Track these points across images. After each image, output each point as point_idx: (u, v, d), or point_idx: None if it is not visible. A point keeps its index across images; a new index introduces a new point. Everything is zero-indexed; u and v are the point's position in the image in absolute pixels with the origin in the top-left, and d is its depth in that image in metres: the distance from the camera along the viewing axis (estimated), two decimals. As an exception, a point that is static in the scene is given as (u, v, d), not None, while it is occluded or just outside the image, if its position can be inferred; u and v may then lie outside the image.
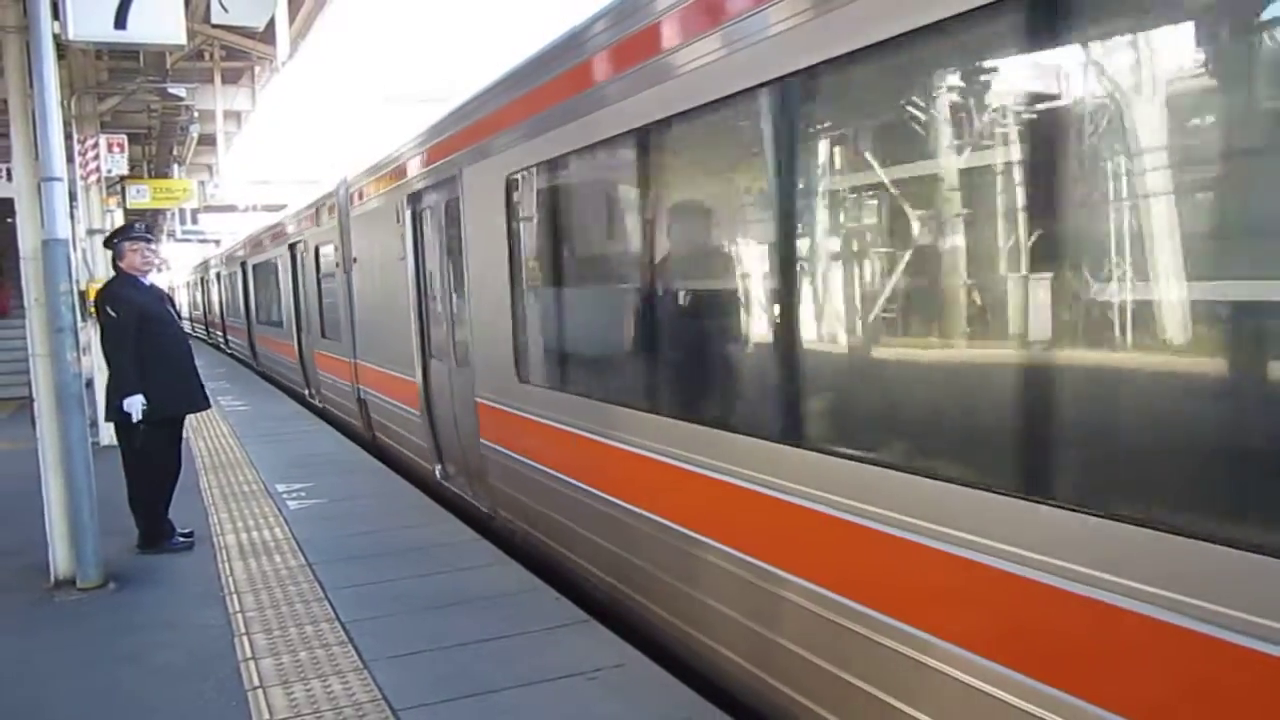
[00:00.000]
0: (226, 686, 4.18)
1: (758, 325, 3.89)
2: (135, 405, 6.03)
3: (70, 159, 9.68)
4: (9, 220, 5.74)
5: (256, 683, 4.19)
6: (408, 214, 8.08)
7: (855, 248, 3.41)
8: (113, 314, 6.07)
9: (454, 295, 7.23)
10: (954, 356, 2.98)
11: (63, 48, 6.40)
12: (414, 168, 7.89)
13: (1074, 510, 2.40)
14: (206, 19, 9.40)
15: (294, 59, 12.29)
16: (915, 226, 3.10)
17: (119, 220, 13.13)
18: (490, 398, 6.47)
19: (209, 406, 6.90)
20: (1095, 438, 2.47)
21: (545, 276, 5.71)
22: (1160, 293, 2.34)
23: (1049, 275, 2.55)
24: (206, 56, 14.06)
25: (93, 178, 10.99)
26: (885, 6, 2.85)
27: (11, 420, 12.91)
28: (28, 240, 5.53)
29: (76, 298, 5.62)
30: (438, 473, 7.97)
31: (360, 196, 9.86)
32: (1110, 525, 2.31)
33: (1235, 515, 2.16)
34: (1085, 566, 2.37)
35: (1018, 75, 2.69)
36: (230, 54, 13.94)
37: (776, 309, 3.60)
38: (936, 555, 2.80)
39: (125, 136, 12.28)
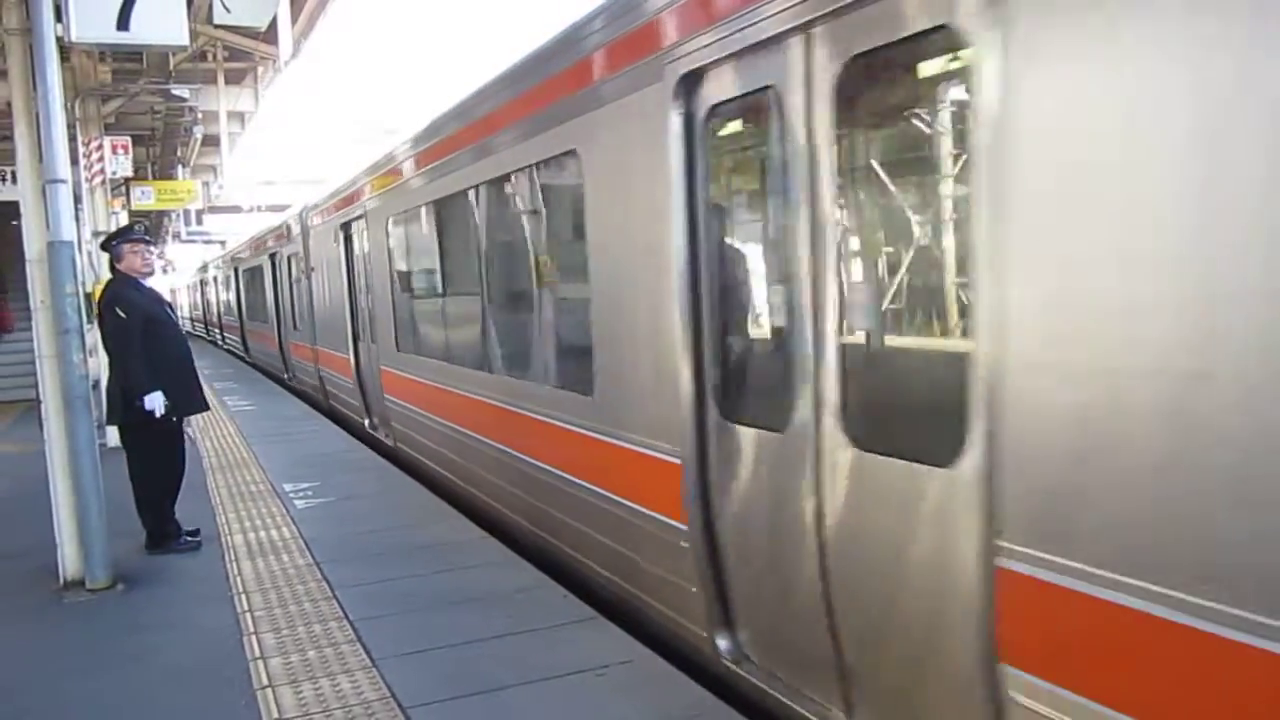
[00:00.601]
0: (236, 686, 4.19)
1: (451, 314, 7.97)
2: (157, 401, 6.05)
3: (75, 161, 9.70)
4: (14, 223, 5.74)
5: (265, 682, 4.20)
6: (342, 236, 11.08)
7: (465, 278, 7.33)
8: (121, 315, 6.06)
9: (368, 294, 10.25)
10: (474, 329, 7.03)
11: (66, 50, 6.40)
12: (345, 204, 10.89)
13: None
14: (209, 20, 9.39)
15: (297, 58, 12.28)
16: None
17: (124, 222, 13.14)
18: (387, 365, 9.62)
19: (208, 408, 6.94)
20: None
21: (397, 282, 9.23)
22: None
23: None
24: (209, 57, 14.06)
25: (97, 180, 11.00)
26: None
27: (19, 422, 12.95)
28: (33, 243, 5.54)
29: (82, 299, 5.63)
30: (367, 424, 10.94)
31: (314, 220, 12.97)
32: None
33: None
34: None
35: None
36: (233, 55, 13.94)
37: (448, 305, 7.97)
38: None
39: (129, 138, 12.29)
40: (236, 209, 28.41)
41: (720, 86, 3.74)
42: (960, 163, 2.84)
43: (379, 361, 9.87)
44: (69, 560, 5.72)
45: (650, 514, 4.44)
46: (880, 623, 3.15)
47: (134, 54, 11.09)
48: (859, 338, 3.32)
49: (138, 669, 4.52)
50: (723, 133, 4.01)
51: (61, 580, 5.73)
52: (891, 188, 3.33)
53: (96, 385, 7.36)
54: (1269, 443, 1.97)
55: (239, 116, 16.54)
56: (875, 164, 3.36)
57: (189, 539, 6.47)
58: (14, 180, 6.20)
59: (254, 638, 4.73)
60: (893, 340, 3.34)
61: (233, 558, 6.14)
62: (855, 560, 3.22)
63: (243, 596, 5.37)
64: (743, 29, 3.47)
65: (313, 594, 5.35)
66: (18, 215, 5.62)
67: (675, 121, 3.93)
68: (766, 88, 3.47)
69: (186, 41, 6.17)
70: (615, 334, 4.69)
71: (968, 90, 2.69)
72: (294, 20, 11.54)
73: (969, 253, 2.67)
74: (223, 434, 11.47)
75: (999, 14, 2.47)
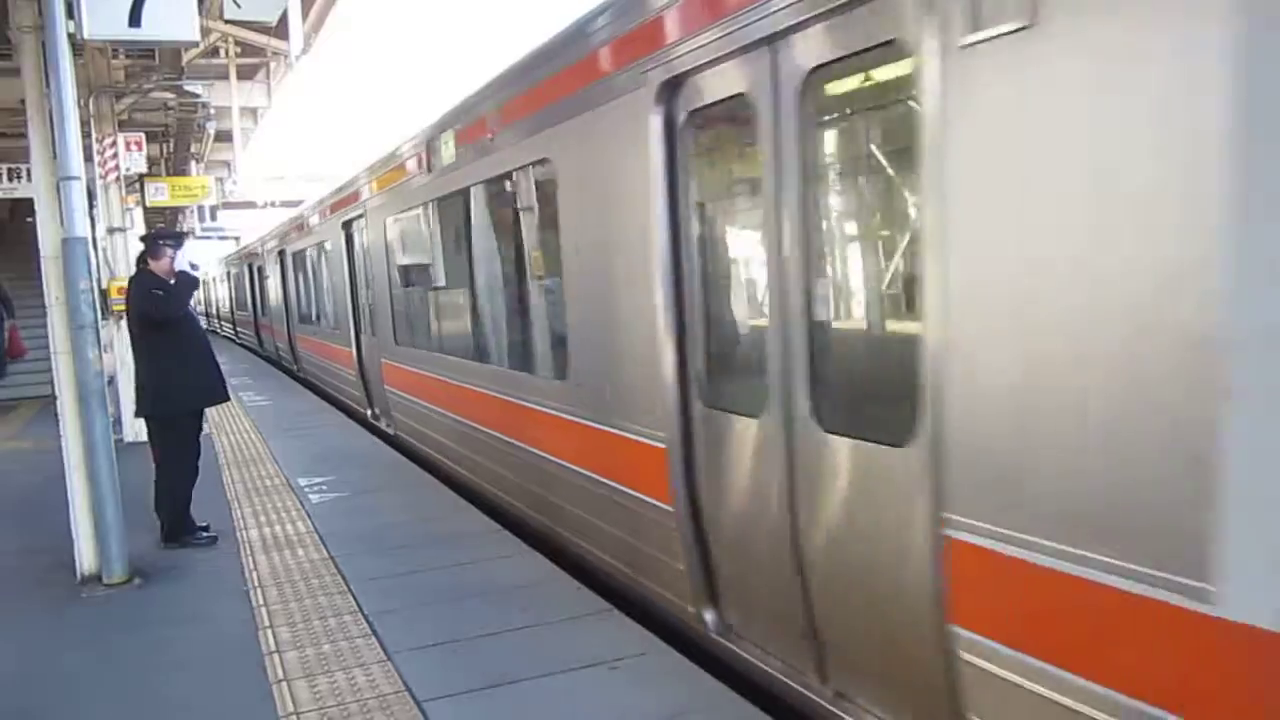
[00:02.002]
0: (252, 680, 4.21)
1: (307, 304, 15.92)
2: (182, 262, 6.41)
3: (89, 158, 9.73)
4: (29, 220, 5.77)
5: (281, 675, 4.21)
6: (279, 260, 17.98)
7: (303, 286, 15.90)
8: (160, 292, 6.22)
9: (288, 295, 17.47)
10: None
11: (79, 47, 6.41)
12: (279, 238, 18.06)
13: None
14: (220, 15, 9.40)
15: (308, 53, 12.28)
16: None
17: (138, 218, 13.21)
18: (299, 333, 16.65)
19: (229, 398, 7.09)
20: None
21: (301, 285, 16.24)
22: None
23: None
24: (222, 53, 14.09)
25: (111, 176, 11.03)
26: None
27: (36, 419, 13.04)
28: (48, 239, 5.57)
29: (97, 295, 5.65)
30: (296, 368, 17.76)
31: (269, 244, 19.77)
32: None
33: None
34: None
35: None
36: (245, 50, 13.97)
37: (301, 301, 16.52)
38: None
39: (143, 135, 12.33)
40: (251, 204, 28.51)
41: (357, 225, 10.65)
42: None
43: (296, 331, 17.00)
44: (86, 555, 5.76)
45: (346, 370, 11.99)
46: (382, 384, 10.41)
47: (147, 50, 11.10)
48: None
49: (154, 663, 4.54)
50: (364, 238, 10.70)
51: (79, 575, 5.77)
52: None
53: (112, 381, 7.39)
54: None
55: (251, 112, 16.57)
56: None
57: (204, 534, 6.50)
58: (29, 177, 6.20)
59: (269, 632, 4.75)
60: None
61: (248, 552, 6.17)
62: (374, 374, 10.74)
63: (258, 591, 5.39)
64: (348, 211, 10.96)
65: (328, 588, 5.37)
66: (31, 212, 5.64)
67: (342, 232, 11.20)
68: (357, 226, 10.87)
69: (197, 37, 6.17)
70: (334, 309, 12.57)
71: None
72: (305, 15, 11.54)
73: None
74: (238, 429, 11.52)
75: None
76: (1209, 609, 2.06)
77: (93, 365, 5.49)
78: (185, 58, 11.59)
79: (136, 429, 10.51)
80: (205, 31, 9.91)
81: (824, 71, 3.21)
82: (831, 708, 3.47)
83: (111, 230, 10.89)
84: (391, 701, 3.89)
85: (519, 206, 6.06)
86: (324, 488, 7.90)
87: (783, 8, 3.21)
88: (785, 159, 3.36)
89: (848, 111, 3.55)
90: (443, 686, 4.00)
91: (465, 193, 6.86)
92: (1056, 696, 2.44)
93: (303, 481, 8.17)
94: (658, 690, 3.88)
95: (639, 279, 4.24)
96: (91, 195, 9.68)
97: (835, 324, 3.48)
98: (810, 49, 3.20)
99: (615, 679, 4.00)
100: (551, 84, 5.01)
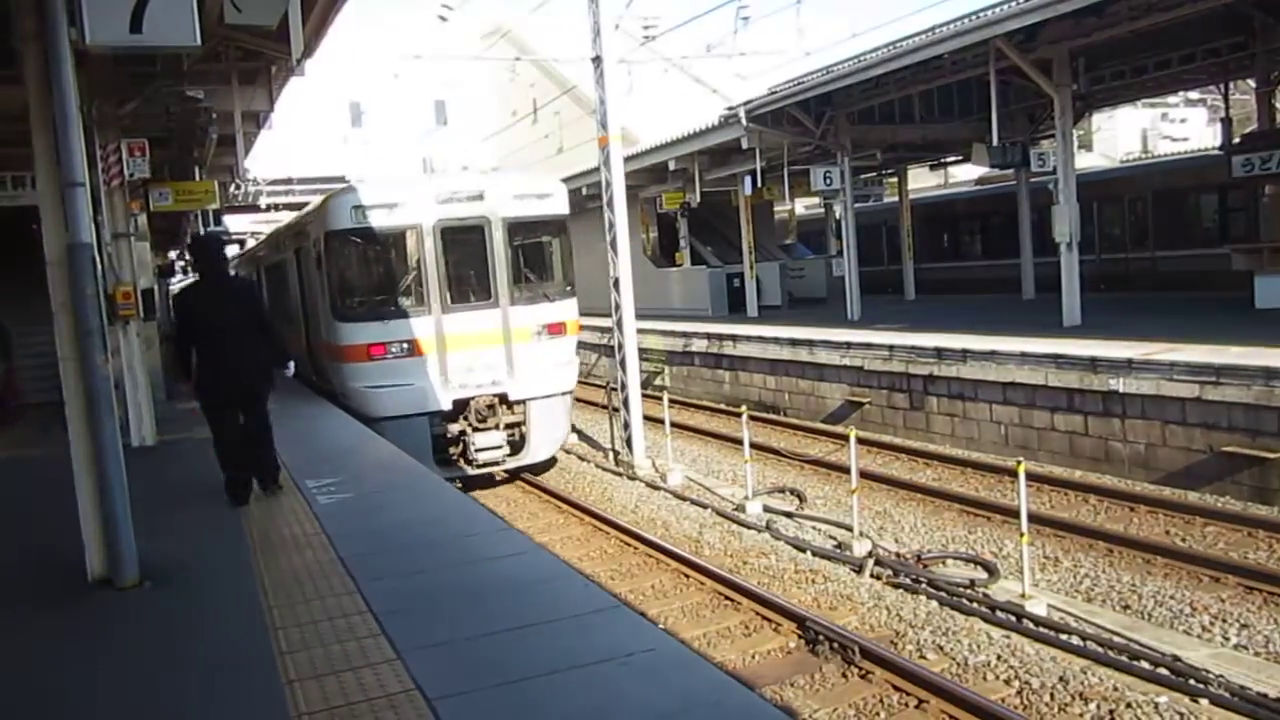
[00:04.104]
0: (262, 681, 4.23)
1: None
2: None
3: (92, 165, 9.74)
4: (34, 226, 5.79)
5: (292, 676, 4.24)
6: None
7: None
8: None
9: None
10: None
11: (81, 54, 6.42)
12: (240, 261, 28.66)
13: None
14: (220, 20, 9.41)
15: (310, 58, 12.26)
16: None
17: (143, 224, 13.25)
18: None
19: None
20: None
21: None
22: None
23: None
24: (223, 58, 14.08)
25: (115, 182, 11.07)
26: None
27: (47, 423, 13.08)
28: (52, 246, 5.59)
29: (103, 301, 5.67)
30: None
31: (236, 263, 27.37)
32: None
33: None
34: None
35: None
36: (247, 55, 13.96)
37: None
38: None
39: (146, 141, 12.35)
40: (255, 208, 28.64)
41: (266, 263, 20.83)
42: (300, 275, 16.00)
43: None
44: (95, 560, 5.78)
45: None
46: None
47: (148, 56, 11.12)
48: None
49: (165, 666, 4.57)
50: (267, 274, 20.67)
51: (89, 579, 5.79)
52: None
53: (119, 386, 7.42)
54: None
55: (254, 116, 16.56)
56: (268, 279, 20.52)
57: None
58: (33, 185, 6.22)
59: (279, 633, 4.77)
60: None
61: (257, 554, 6.19)
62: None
63: (267, 592, 5.41)
64: (255, 259, 24.17)
65: (336, 589, 5.39)
66: (36, 219, 5.66)
67: (254, 266, 23.74)
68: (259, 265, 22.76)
69: (198, 42, 6.15)
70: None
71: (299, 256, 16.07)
72: (305, 19, 11.52)
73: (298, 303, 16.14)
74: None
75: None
76: (336, 343, 13.06)
77: (100, 370, 5.51)
78: (186, 63, 11.61)
79: (144, 434, 10.58)
80: (205, 36, 9.91)
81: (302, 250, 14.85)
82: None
83: (116, 236, 10.93)
84: (401, 701, 3.91)
85: (287, 271, 15.74)
86: (331, 489, 7.91)
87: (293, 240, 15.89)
88: (308, 268, 14.43)
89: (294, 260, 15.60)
90: (453, 685, 4.02)
91: (283, 260, 16.70)
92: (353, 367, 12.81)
93: (310, 482, 8.18)
94: (668, 684, 3.89)
95: (296, 302, 15.42)
96: (96, 201, 9.70)
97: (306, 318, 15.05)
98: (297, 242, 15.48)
99: (625, 674, 4.02)
100: (285, 236, 16.72)
